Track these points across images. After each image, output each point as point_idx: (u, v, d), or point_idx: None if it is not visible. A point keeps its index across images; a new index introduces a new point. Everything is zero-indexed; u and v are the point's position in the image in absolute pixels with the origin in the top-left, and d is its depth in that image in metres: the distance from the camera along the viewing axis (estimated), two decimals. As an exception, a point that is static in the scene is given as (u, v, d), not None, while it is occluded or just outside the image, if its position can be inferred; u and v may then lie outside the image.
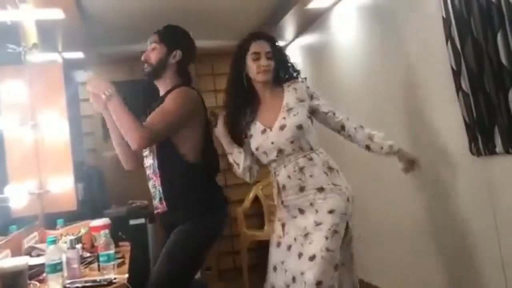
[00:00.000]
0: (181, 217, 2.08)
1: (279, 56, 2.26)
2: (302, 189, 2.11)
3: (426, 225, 2.82)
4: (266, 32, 2.37)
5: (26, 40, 2.77)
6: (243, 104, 2.25)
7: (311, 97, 2.23)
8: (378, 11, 3.12)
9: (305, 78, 2.45)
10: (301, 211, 2.13)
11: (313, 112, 2.24)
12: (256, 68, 2.18)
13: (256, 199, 4.68)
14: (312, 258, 2.00)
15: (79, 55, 4.24)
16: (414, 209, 2.94)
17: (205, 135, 2.17)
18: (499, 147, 2.12)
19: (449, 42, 2.30)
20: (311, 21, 3.99)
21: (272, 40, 2.28)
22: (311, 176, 2.10)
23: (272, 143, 2.15)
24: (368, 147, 2.20)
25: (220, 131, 2.27)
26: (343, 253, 2.10)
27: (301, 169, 2.11)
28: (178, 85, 2.15)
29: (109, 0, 3.42)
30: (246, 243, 4.52)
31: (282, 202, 2.18)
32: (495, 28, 2.02)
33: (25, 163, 2.68)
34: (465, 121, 2.29)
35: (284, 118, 2.15)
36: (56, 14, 3.01)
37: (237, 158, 2.26)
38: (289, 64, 2.31)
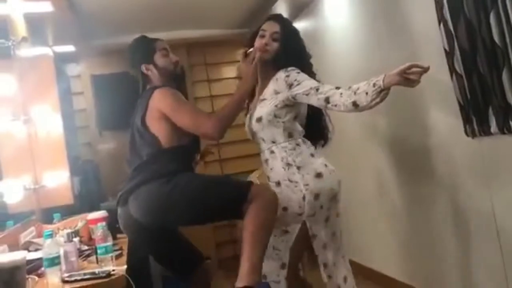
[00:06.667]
0: None
1: (286, 40, 2.14)
2: (268, 178, 2.14)
3: (423, 207, 2.83)
4: (282, 15, 2.29)
5: (15, 34, 2.74)
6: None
7: (290, 86, 2.03)
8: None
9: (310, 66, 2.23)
10: None
11: (297, 100, 2.05)
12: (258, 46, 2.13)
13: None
14: None
15: (70, 48, 4.19)
16: (409, 192, 2.95)
17: None
18: (493, 128, 2.11)
19: (441, 24, 2.28)
20: (304, 6, 3.95)
21: (285, 23, 2.19)
22: (271, 169, 2.11)
23: (246, 128, 2.24)
24: (355, 104, 1.85)
25: None
26: (324, 233, 2.09)
27: (266, 161, 2.15)
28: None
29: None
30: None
31: None
32: (487, 8, 2.01)
33: (19, 158, 2.66)
34: (459, 102, 2.28)
35: (255, 107, 2.16)
36: (45, 7, 2.96)
37: None
38: (296, 51, 2.16)
